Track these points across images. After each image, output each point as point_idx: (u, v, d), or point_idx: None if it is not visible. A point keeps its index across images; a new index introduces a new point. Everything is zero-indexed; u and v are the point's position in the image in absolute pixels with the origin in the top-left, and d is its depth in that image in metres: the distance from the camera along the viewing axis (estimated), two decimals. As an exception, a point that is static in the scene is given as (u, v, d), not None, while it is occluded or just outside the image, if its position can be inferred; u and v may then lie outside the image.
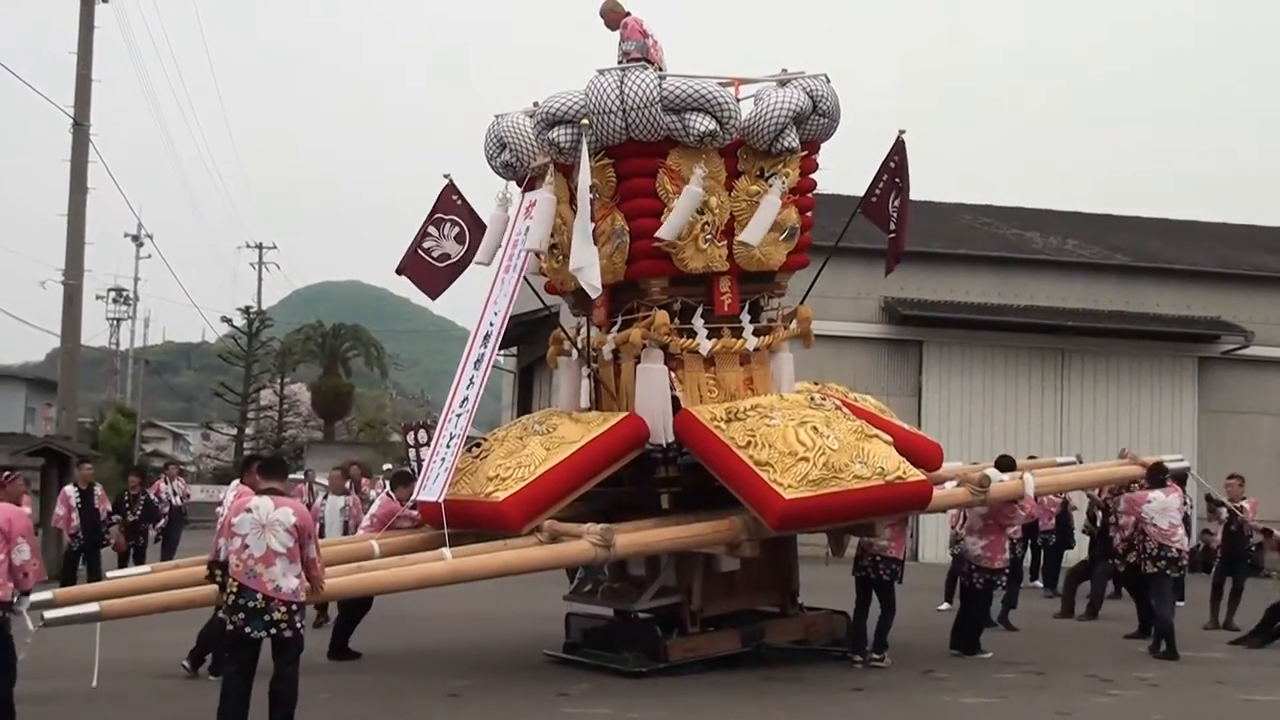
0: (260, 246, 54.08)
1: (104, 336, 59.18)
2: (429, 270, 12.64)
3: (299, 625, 8.38)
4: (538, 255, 12.13)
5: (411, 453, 26.85)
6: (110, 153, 26.18)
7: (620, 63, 11.59)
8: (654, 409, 11.25)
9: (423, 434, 27.93)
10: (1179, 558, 13.02)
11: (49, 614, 8.70)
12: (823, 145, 12.29)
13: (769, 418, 10.99)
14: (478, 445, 11.76)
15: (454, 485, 10.94)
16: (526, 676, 11.28)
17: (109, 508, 17.93)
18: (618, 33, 12.01)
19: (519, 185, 12.40)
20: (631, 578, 11.90)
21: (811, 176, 12.23)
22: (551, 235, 11.92)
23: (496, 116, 12.42)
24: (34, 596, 8.88)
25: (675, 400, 11.39)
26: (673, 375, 11.44)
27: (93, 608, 8.93)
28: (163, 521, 19.81)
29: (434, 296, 13.02)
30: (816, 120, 11.86)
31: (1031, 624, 14.22)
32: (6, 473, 9.35)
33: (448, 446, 11.10)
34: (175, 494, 21.31)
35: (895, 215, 12.50)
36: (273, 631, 8.26)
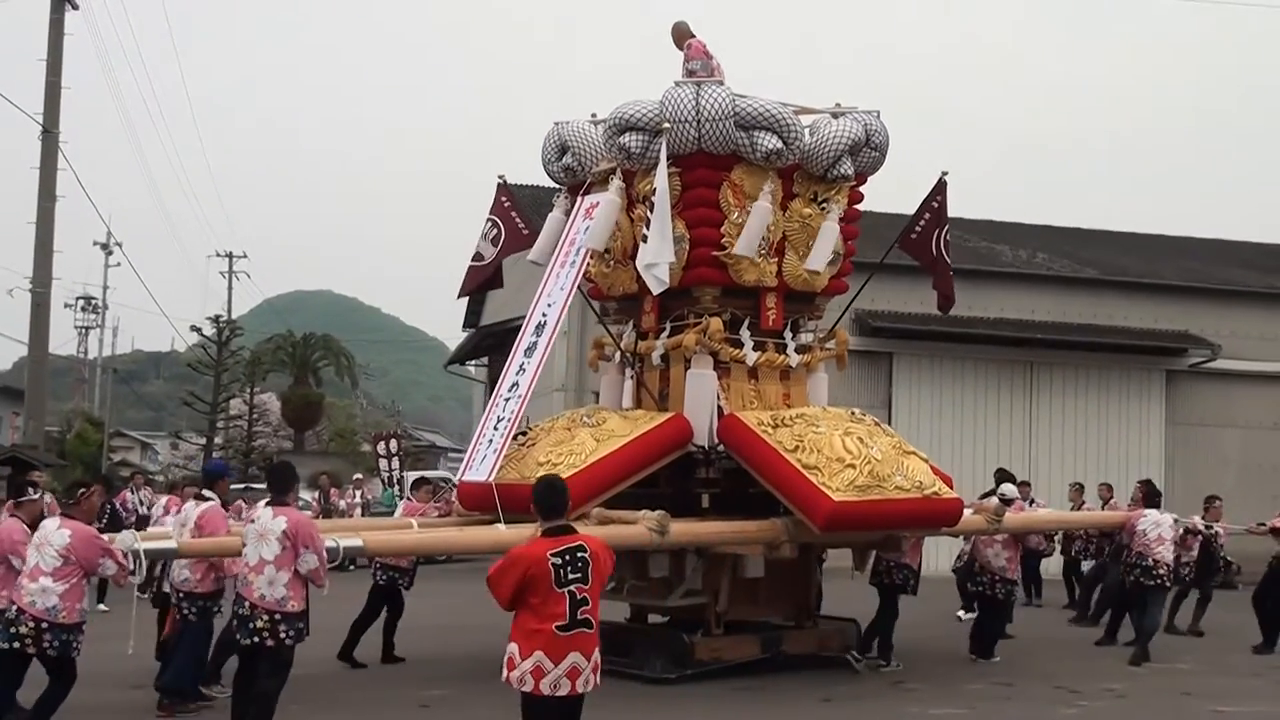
0: (231, 255, 53.71)
1: (72, 345, 58.84)
2: (470, 270, 13.36)
3: (282, 635, 8.38)
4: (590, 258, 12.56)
5: (382, 462, 26.70)
6: (80, 160, 26.08)
7: (681, 80, 12.16)
8: (701, 412, 11.76)
9: (393, 444, 27.76)
10: (1154, 567, 13.61)
11: (138, 546, 9.07)
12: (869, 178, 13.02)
13: (815, 426, 11.46)
14: (522, 434, 12.04)
15: (499, 470, 11.28)
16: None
17: None
18: (682, 52, 12.63)
19: (576, 189, 12.90)
20: (652, 579, 12.15)
21: (856, 207, 12.92)
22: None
23: (557, 123, 13.09)
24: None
25: (719, 407, 11.86)
26: (719, 382, 11.92)
27: (170, 544, 9.60)
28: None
29: (459, 294, 13.81)
30: (868, 153, 12.62)
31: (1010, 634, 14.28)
32: (82, 489, 9.47)
33: (495, 429, 11.51)
34: (142, 503, 21.15)
35: (938, 252, 13.26)
36: (254, 639, 8.36)
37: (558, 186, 13.66)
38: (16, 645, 8.52)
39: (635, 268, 12.10)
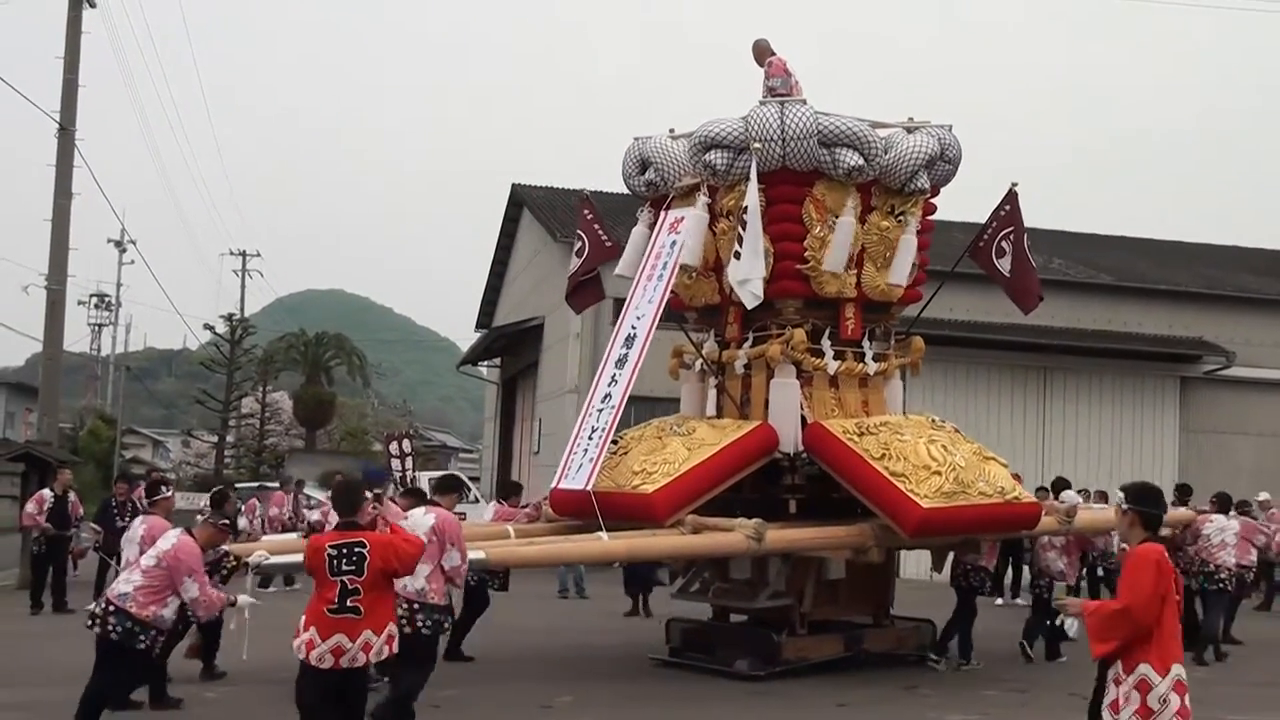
0: (244, 254, 53.88)
1: (85, 342, 58.94)
2: (574, 288, 13.83)
3: (419, 624, 8.77)
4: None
5: (395, 463, 26.67)
6: (95, 158, 26.10)
7: (764, 98, 12.53)
8: (786, 420, 12.07)
9: (405, 444, 27.69)
10: (1216, 571, 14.12)
11: (265, 561, 9.39)
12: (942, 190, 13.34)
13: (900, 434, 11.79)
14: (614, 443, 12.27)
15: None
16: (515, 687, 11.26)
17: (80, 514, 17.81)
18: (762, 69, 12.96)
19: (659, 203, 13.23)
20: (735, 580, 12.50)
21: (929, 218, 13.24)
22: None
23: (637, 138, 13.44)
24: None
25: (802, 415, 12.19)
26: (801, 390, 12.24)
27: (297, 558, 9.63)
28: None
29: (575, 310, 14.79)
30: (943, 166, 12.95)
31: (1016, 641, 14.22)
32: (224, 522, 9.78)
33: (590, 439, 11.83)
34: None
35: (1011, 261, 13.55)
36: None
37: (636, 197, 13.92)
38: (96, 629, 8.72)
39: (717, 279, 12.62)
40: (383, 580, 7.42)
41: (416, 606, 8.77)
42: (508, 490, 14.62)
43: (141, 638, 8.68)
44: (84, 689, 8.78)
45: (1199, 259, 31.02)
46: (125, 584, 8.76)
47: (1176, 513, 15.21)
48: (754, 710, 10.80)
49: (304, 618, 7.43)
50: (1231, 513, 14.71)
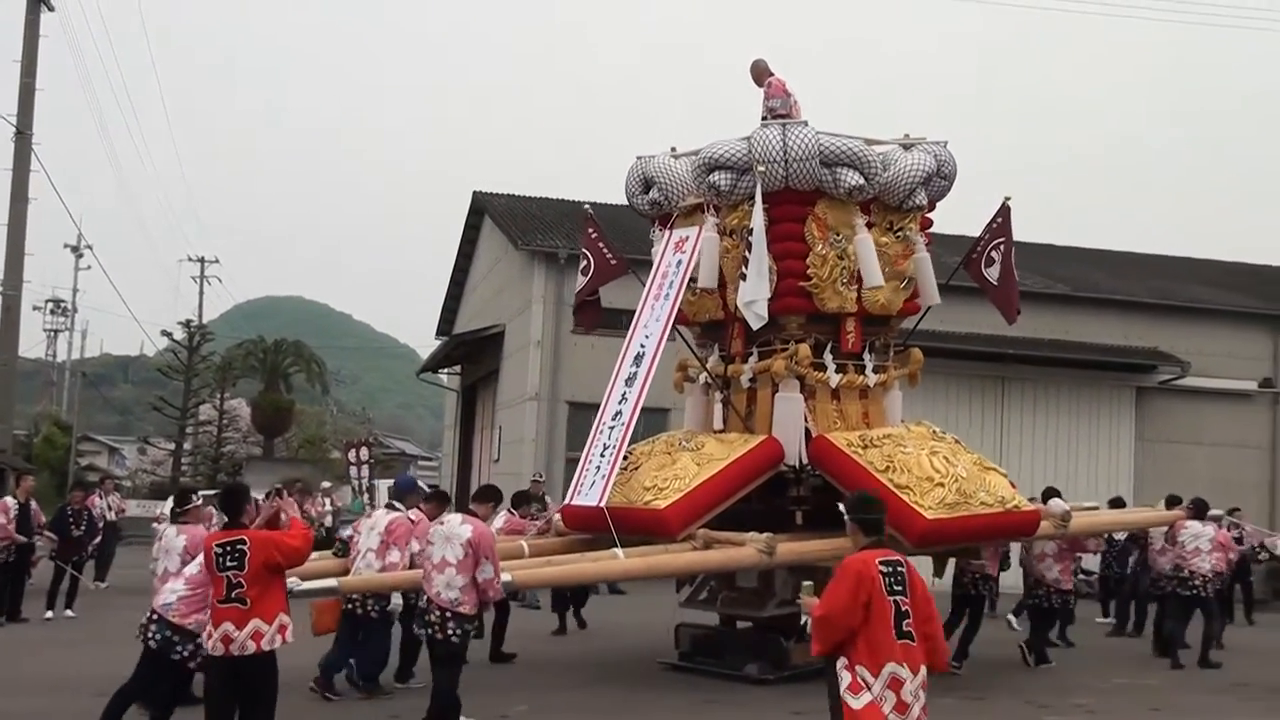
0: (202, 260, 53.59)
1: (41, 348, 58.48)
2: (579, 307, 14.13)
3: (450, 632, 9.11)
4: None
5: (353, 470, 26.44)
6: (51, 162, 25.89)
7: (764, 118, 12.88)
8: (790, 433, 12.32)
9: (364, 451, 27.48)
10: (1190, 578, 14.44)
11: (296, 588, 9.34)
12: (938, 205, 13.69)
13: (903, 446, 12.07)
14: (624, 458, 12.40)
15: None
16: (470, 698, 11.19)
17: (42, 521, 17.60)
18: (762, 89, 13.22)
19: (662, 223, 13.56)
20: (741, 589, 12.78)
21: (926, 232, 13.58)
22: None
23: (639, 158, 13.68)
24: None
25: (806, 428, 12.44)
26: (805, 404, 12.48)
27: (331, 583, 9.91)
28: (98, 538, 19.42)
29: (584, 331, 15.03)
30: (939, 182, 13.29)
31: (980, 649, 14.30)
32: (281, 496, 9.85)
33: (601, 455, 12.05)
34: (110, 509, 20.97)
35: (999, 271, 13.81)
36: (427, 631, 9.22)
37: (638, 215, 14.19)
38: (141, 637, 8.92)
39: (721, 295, 12.84)
40: (267, 573, 7.95)
41: (449, 615, 9.08)
42: (517, 500, 14.81)
43: (179, 647, 8.81)
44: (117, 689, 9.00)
45: (1153, 270, 31.33)
46: (170, 594, 8.95)
47: (1165, 514, 15.57)
48: (711, 718, 10.81)
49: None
50: (1213, 514, 15.04)
